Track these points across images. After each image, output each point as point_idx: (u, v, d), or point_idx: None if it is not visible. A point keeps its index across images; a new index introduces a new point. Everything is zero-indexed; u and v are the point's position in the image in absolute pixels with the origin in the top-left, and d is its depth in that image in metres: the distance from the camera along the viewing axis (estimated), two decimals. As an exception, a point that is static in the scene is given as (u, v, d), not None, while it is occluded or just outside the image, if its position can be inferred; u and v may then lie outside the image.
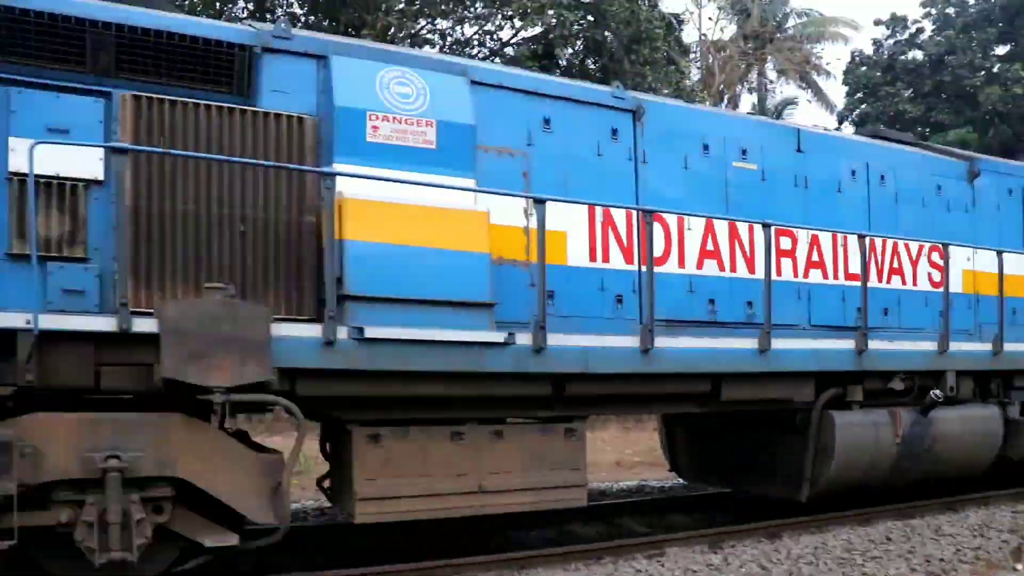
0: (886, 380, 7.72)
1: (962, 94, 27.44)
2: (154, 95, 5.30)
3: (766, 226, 6.95)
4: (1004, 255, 8.37)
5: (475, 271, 5.80)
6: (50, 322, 4.72)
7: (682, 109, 7.79)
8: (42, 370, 4.73)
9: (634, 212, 6.78)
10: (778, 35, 29.31)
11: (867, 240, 7.53)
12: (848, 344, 7.41)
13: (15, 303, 4.79)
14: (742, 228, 7.29)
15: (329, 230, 5.31)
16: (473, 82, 6.23)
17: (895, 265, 8.14)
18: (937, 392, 7.72)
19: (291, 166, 5.51)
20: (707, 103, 22.05)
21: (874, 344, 7.43)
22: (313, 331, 5.28)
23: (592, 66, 16.80)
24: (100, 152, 5.16)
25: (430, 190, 5.73)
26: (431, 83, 5.99)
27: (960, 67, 27.03)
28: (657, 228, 6.79)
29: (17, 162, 4.99)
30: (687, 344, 6.61)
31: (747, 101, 30.93)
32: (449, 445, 5.94)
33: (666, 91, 16.65)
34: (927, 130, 28.07)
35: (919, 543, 7.40)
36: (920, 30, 29.66)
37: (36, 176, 4.87)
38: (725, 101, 27.22)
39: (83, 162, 5.14)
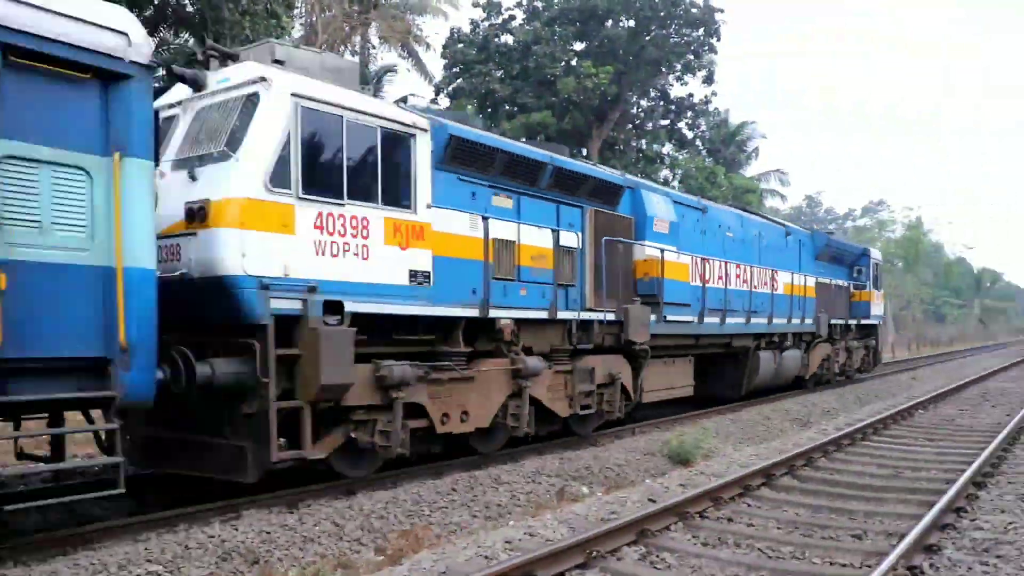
0: (771, 336, 16.49)
1: (544, 81, 29.89)
2: (596, 208, 11.55)
3: (752, 267, 15.17)
4: (807, 277, 17.81)
5: (687, 289, 13.05)
6: (599, 316, 10.93)
7: (717, 208, 15.59)
8: (595, 336, 10.93)
9: (700, 258, 14.38)
10: (383, 2, 29.34)
11: (777, 272, 16.22)
12: (765, 321, 15.98)
13: (561, 307, 10.84)
14: (728, 266, 15.30)
15: (656, 274, 12.11)
16: (672, 200, 13.33)
17: (765, 280, 16.87)
18: (787, 343, 16.77)
19: (638, 242, 12.17)
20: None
21: (775, 321, 16.14)
22: (653, 317, 12.04)
23: (190, 9, 16.01)
24: (577, 235, 11.25)
25: (671, 252, 12.73)
26: (666, 202, 12.99)
27: (543, 56, 29.43)
28: (707, 266, 14.53)
29: (563, 240, 10.97)
30: (730, 320, 14.50)
31: (349, 64, 31.88)
32: (663, 366, 13.08)
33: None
34: (515, 109, 30.58)
35: (481, 492, 8.16)
36: (512, 17, 31.77)
37: (564, 247, 10.96)
38: (327, 61, 28.04)
39: (574, 240, 11.22)
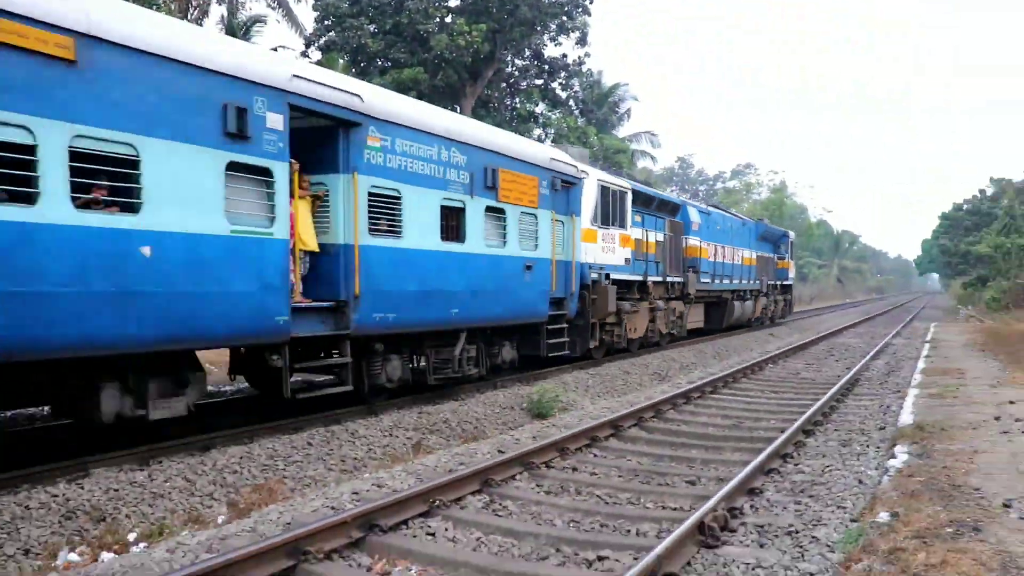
0: (739, 292, 25.97)
1: (417, 37, 29.51)
2: (669, 218, 20.41)
3: (732, 248, 24.53)
4: (754, 252, 27.44)
5: (708, 263, 22.27)
6: (678, 279, 19.87)
7: (714, 211, 24.71)
8: (675, 291, 19.87)
9: (709, 243, 23.55)
10: (250, -49, 27.65)
11: (740, 250, 25.68)
12: (737, 282, 25.42)
13: (664, 275, 19.76)
14: (721, 248, 24.53)
15: (696, 255, 21.12)
16: (698, 210, 22.39)
17: (735, 257, 26.19)
18: (746, 297, 26.38)
19: (686, 236, 21.17)
20: (174, 9, 21.79)
21: (741, 282, 25.64)
22: (696, 280, 21.09)
23: None
24: (664, 234, 20.10)
25: (702, 242, 21.78)
26: (696, 211, 22.05)
27: (416, 12, 28.97)
28: (713, 248, 23.74)
29: (658, 237, 19.84)
30: (726, 282, 23.80)
31: (216, 13, 29.85)
32: (693, 309, 22.22)
33: None
34: (387, 64, 30.21)
35: (337, 446, 8.24)
36: None
37: (659, 241, 19.86)
38: (193, 12, 25.48)
39: (662, 237, 20.06)
